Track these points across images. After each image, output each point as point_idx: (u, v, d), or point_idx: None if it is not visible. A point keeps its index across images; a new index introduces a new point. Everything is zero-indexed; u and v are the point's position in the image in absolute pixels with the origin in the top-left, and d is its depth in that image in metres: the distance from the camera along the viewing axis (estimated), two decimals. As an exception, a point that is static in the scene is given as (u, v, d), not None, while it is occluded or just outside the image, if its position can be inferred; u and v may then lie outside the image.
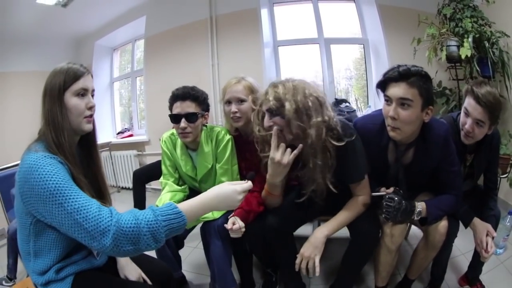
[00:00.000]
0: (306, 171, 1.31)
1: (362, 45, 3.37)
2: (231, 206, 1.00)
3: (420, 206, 1.31)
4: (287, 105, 1.19)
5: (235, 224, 1.37)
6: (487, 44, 2.23)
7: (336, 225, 1.33)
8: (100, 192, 1.06)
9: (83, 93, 0.99)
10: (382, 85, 1.25)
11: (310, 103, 1.21)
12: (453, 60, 2.45)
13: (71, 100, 0.97)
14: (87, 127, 1.02)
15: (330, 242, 1.35)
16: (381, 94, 1.29)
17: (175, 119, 1.52)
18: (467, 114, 1.35)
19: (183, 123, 1.50)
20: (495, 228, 1.45)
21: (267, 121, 1.25)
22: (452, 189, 1.37)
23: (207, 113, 1.61)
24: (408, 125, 1.23)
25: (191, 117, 1.51)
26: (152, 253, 1.48)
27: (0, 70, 3.69)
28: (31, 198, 0.85)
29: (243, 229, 1.38)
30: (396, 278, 1.72)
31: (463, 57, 2.24)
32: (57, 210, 0.82)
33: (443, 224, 1.35)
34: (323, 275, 1.90)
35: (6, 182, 2.53)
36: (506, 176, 2.23)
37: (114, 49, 4.55)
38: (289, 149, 1.25)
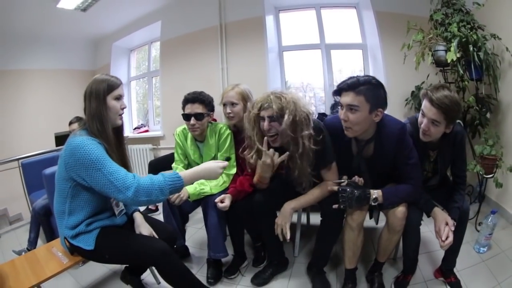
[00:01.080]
0: (296, 171, 1.58)
1: (361, 50, 3.44)
2: (215, 177, 1.40)
3: (376, 193, 1.52)
4: (286, 117, 1.45)
5: (223, 203, 1.74)
6: (472, 48, 2.26)
7: (303, 202, 1.64)
8: (125, 164, 1.39)
9: (119, 97, 1.36)
10: (337, 93, 1.48)
11: (303, 120, 1.49)
12: (441, 64, 2.50)
13: (111, 102, 1.33)
14: (119, 122, 1.40)
15: (315, 228, 1.57)
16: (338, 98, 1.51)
17: (186, 117, 1.91)
18: (423, 114, 1.49)
19: (192, 120, 1.88)
20: (460, 221, 1.55)
21: (267, 125, 1.51)
22: (409, 179, 1.54)
23: (212, 113, 1.96)
24: (357, 125, 1.44)
25: (199, 116, 1.89)
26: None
27: (21, 67, 3.99)
28: (75, 167, 1.20)
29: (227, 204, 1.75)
30: (359, 255, 1.78)
31: (449, 61, 2.29)
32: (96, 173, 1.18)
33: (400, 210, 1.52)
34: (306, 254, 2.12)
35: (30, 169, 2.87)
36: (492, 177, 2.23)
37: (131, 50, 4.72)
38: (277, 153, 1.54)
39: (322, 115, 2.71)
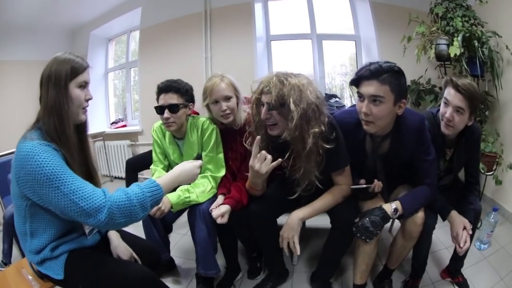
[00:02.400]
0: (298, 171, 1.36)
1: (354, 42, 3.37)
2: (193, 179, 1.17)
3: (395, 204, 1.35)
4: (292, 107, 1.22)
5: (223, 218, 1.46)
6: (476, 44, 2.24)
7: (311, 211, 1.40)
8: (89, 174, 1.13)
9: (84, 85, 1.07)
10: (355, 83, 1.29)
11: (310, 113, 1.26)
12: (442, 59, 2.46)
13: (74, 91, 1.03)
14: (83, 117, 1.10)
15: (312, 231, 1.40)
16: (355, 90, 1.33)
17: (160, 110, 1.62)
18: (446, 103, 1.40)
19: (166, 113, 1.60)
20: (474, 222, 1.49)
21: (264, 113, 1.30)
22: (426, 178, 1.42)
23: (191, 104, 1.68)
24: (381, 120, 1.27)
25: (173, 108, 1.60)
26: (142, 236, 1.56)
27: (-6, 59, 3.66)
28: (27, 183, 0.91)
29: (224, 220, 1.48)
30: (378, 268, 1.76)
31: (452, 55, 2.23)
32: (53, 193, 0.89)
33: (419, 216, 1.39)
34: (305, 262, 1.97)
35: (2, 169, 2.54)
36: (492, 174, 2.26)
37: (110, 40, 4.52)
38: (269, 158, 1.30)
39: (329, 97, 2.55)
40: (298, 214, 1.40)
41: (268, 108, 1.29)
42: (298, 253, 1.38)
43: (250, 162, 1.32)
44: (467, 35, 2.27)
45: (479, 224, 1.95)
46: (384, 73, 1.21)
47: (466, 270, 1.71)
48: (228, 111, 1.63)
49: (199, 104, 1.76)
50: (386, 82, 1.20)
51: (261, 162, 1.30)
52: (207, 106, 1.70)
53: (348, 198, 1.42)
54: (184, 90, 1.64)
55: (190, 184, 1.48)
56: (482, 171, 2.23)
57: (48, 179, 0.89)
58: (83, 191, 0.90)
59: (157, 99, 1.65)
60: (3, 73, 3.77)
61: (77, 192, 0.90)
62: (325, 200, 1.41)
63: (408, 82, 2.78)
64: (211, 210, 1.50)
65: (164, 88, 1.62)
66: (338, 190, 1.43)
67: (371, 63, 1.25)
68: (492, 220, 1.91)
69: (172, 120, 1.61)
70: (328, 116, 1.34)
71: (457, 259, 1.62)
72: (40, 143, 0.93)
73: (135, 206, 0.93)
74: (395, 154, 1.42)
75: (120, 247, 1.26)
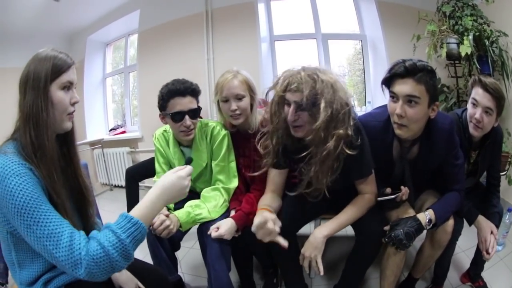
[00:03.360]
0: (308, 174, 1.24)
1: (360, 41, 3.34)
2: (182, 194, 0.93)
3: (428, 214, 1.27)
4: (322, 107, 1.10)
5: (216, 232, 1.34)
6: (487, 42, 2.25)
7: (336, 226, 1.28)
8: (80, 194, 0.97)
9: (68, 86, 0.89)
10: (388, 81, 1.20)
11: (341, 116, 1.15)
12: (452, 58, 2.46)
13: (57, 94, 0.86)
14: (68, 125, 0.92)
15: (332, 240, 1.32)
16: (386, 91, 1.23)
17: (179, 117, 1.43)
18: (475, 104, 1.35)
19: (188, 120, 1.43)
20: (498, 225, 1.45)
21: (292, 113, 1.16)
22: (455, 183, 1.36)
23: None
24: (416, 123, 1.19)
25: (195, 113, 1.46)
26: (148, 257, 1.45)
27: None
28: (1, 209, 0.76)
29: (226, 237, 1.35)
30: (400, 277, 1.66)
31: (463, 54, 2.25)
32: (26, 230, 0.74)
33: (450, 223, 1.32)
34: (325, 275, 1.83)
35: None
36: (505, 174, 2.25)
37: (107, 44, 4.47)
38: (275, 231, 1.16)
39: None
40: (322, 231, 1.26)
41: (296, 108, 1.16)
42: (322, 273, 1.24)
43: (253, 228, 1.16)
44: (477, 34, 2.29)
45: None
46: (419, 72, 1.13)
47: (484, 273, 1.68)
48: (238, 112, 1.48)
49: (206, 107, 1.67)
50: (422, 82, 1.13)
51: (266, 234, 1.16)
52: (218, 103, 1.56)
53: (372, 207, 1.32)
54: (199, 92, 1.51)
55: (180, 200, 1.15)
56: None
57: (19, 212, 0.73)
58: (58, 238, 0.74)
59: (166, 104, 1.46)
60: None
61: (51, 238, 0.74)
62: (350, 212, 1.30)
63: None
64: (209, 234, 1.37)
65: (181, 90, 1.43)
66: (362, 201, 1.33)
67: (404, 60, 1.16)
68: (507, 221, 1.87)
69: (193, 127, 1.47)
70: (354, 119, 1.23)
71: (478, 263, 1.59)
72: (13, 161, 0.76)
73: (115, 259, 0.76)
74: (424, 160, 1.34)
75: (122, 277, 1.11)
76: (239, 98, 1.48)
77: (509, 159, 2.24)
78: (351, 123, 1.18)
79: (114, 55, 4.58)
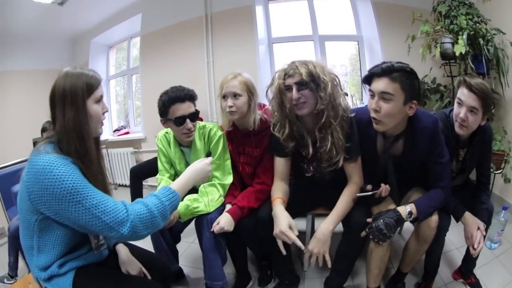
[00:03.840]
0: (326, 144, 1.39)
1: (357, 42, 3.36)
2: (206, 177, 1.20)
3: (409, 207, 1.35)
4: (326, 79, 1.29)
5: (219, 225, 1.48)
6: (482, 41, 2.25)
7: (337, 218, 1.39)
8: (104, 184, 1.10)
9: (100, 99, 1.03)
10: (367, 80, 1.31)
11: (335, 82, 1.35)
12: (447, 57, 2.45)
13: (93, 107, 1.00)
14: (101, 130, 1.08)
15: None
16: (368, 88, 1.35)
17: (180, 121, 1.57)
18: (460, 104, 1.40)
19: (189, 124, 1.57)
20: (487, 222, 1.49)
21: (295, 94, 1.31)
22: (440, 181, 1.41)
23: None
24: (390, 118, 1.28)
25: (194, 117, 1.60)
26: (151, 249, 1.55)
27: (-5, 69, 3.68)
28: (42, 197, 0.88)
29: (226, 229, 1.48)
30: (390, 272, 1.75)
31: (457, 54, 2.25)
32: (74, 207, 0.87)
33: (433, 219, 1.38)
34: (316, 267, 1.93)
35: (6, 181, 2.52)
36: (501, 172, 2.27)
37: (110, 47, 4.54)
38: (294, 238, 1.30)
39: None
40: (328, 226, 1.37)
41: (298, 88, 1.31)
42: (330, 265, 1.36)
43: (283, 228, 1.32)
44: (472, 33, 2.28)
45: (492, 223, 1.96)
46: (395, 72, 1.23)
47: (478, 270, 1.70)
48: (233, 109, 1.60)
49: (201, 110, 1.73)
50: (397, 80, 1.23)
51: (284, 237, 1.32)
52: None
53: (359, 200, 1.41)
54: (196, 97, 1.64)
55: (204, 183, 1.48)
56: (492, 169, 2.20)
57: (69, 193, 0.87)
58: (105, 205, 0.90)
59: (167, 110, 1.58)
60: (4, 83, 3.77)
61: (99, 206, 0.89)
62: (344, 203, 1.41)
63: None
64: (212, 230, 1.49)
65: (181, 97, 1.56)
66: (351, 191, 1.43)
67: (384, 62, 1.26)
68: (502, 219, 1.88)
69: (193, 129, 1.61)
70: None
71: (469, 260, 1.62)
72: (57, 157, 0.91)
73: (157, 217, 0.95)
74: (409, 156, 1.41)
75: (129, 262, 1.24)
76: (235, 95, 1.59)
77: (505, 158, 2.24)
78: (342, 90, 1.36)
79: (117, 55, 4.64)
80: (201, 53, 3.39)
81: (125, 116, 4.64)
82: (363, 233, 1.35)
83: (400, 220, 1.33)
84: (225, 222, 1.48)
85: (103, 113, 1.06)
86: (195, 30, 3.39)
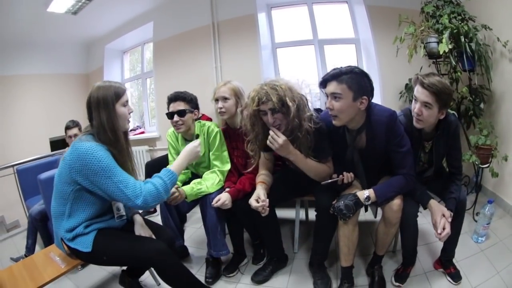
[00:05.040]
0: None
1: (354, 45, 3.44)
2: (197, 156, 1.55)
3: (368, 192, 1.52)
4: (290, 105, 1.47)
5: (218, 201, 1.73)
6: (463, 39, 2.27)
7: (300, 157, 1.61)
8: (131, 167, 1.43)
9: (126, 103, 1.37)
10: (323, 85, 1.52)
11: (301, 102, 1.53)
12: (433, 56, 2.49)
13: (120, 109, 1.35)
14: (128, 126, 1.44)
15: (311, 224, 1.56)
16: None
17: (170, 116, 1.92)
18: (415, 100, 1.52)
19: (175, 117, 1.91)
20: (459, 211, 1.58)
21: (270, 118, 1.52)
22: (402, 168, 1.55)
23: (196, 110, 1.97)
24: (342, 113, 1.48)
25: (180, 113, 1.91)
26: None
27: (14, 73, 3.94)
28: (82, 171, 1.23)
29: (227, 203, 1.75)
30: (370, 257, 1.86)
31: (441, 52, 2.27)
32: (105, 180, 1.22)
33: (395, 202, 1.52)
34: (306, 250, 2.13)
35: (25, 175, 2.83)
36: (488, 167, 2.28)
37: (124, 52, 4.71)
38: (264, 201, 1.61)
39: (317, 111, 2.71)
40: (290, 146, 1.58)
41: (272, 113, 1.52)
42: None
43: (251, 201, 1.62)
44: (455, 31, 2.32)
45: (478, 216, 2.03)
46: (342, 75, 1.43)
47: (461, 262, 1.76)
48: (223, 110, 1.94)
49: (209, 110, 2.06)
50: (343, 82, 1.43)
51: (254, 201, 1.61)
52: None
53: (328, 186, 1.60)
54: (189, 99, 1.95)
55: (196, 160, 1.73)
56: (476, 163, 2.26)
57: (104, 170, 1.22)
58: (128, 182, 1.25)
59: (168, 108, 1.95)
60: (18, 86, 4.01)
61: (123, 182, 1.24)
62: (311, 162, 1.63)
63: (406, 81, 2.91)
64: (212, 204, 1.74)
65: (173, 98, 1.93)
66: (324, 166, 1.66)
67: (333, 69, 1.48)
68: (488, 212, 1.94)
69: (181, 122, 1.91)
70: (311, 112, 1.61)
71: (447, 250, 1.70)
72: (96, 144, 1.25)
73: (161, 192, 1.30)
74: (371, 147, 1.58)
75: (142, 229, 1.54)
76: (224, 99, 1.94)
77: (492, 152, 2.23)
78: (308, 106, 1.59)
79: (131, 58, 4.81)
80: (209, 59, 3.58)
81: (140, 117, 4.83)
82: (331, 211, 1.54)
83: (358, 203, 1.51)
84: (225, 198, 1.75)
85: (129, 113, 1.40)
86: (204, 38, 3.58)
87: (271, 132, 1.53)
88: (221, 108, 1.94)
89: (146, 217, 1.66)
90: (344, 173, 1.59)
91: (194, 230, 2.58)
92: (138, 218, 1.58)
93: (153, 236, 1.52)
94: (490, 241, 2.00)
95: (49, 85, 4.32)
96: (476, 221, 2.09)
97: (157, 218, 1.77)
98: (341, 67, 1.47)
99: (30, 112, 4.13)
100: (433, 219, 1.52)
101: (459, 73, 2.45)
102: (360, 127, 1.56)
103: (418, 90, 1.50)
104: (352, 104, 1.46)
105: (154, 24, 3.92)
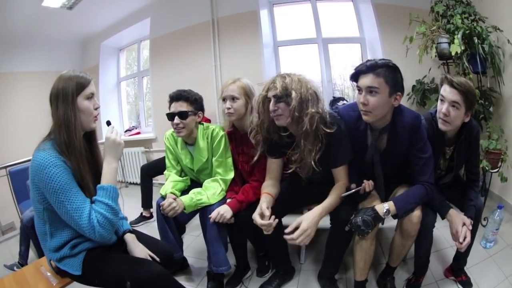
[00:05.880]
0: (297, 150, 1.49)
1: (359, 44, 3.37)
2: (118, 143, 1.21)
3: (387, 205, 1.41)
4: (293, 94, 1.36)
5: (217, 215, 1.59)
6: (476, 40, 2.22)
7: (323, 210, 1.44)
8: (99, 175, 1.20)
9: (90, 96, 1.18)
10: (354, 77, 1.41)
11: (309, 96, 1.40)
12: (444, 57, 2.44)
13: (83, 103, 1.15)
14: (94, 125, 1.22)
15: (318, 231, 1.45)
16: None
17: (170, 117, 1.75)
18: (442, 100, 1.45)
19: (176, 119, 1.73)
20: (476, 218, 1.52)
21: (272, 105, 1.42)
22: (422, 175, 1.47)
23: (200, 112, 1.81)
24: (377, 109, 1.37)
25: (182, 115, 1.74)
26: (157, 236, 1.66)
27: (8, 70, 3.82)
28: (41, 189, 1.06)
29: (226, 215, 1.60)
30: (382, 267, 1.79)
31: (453, 53, 2.23)
32: (59, 205, 1.05)
33: (415, 214, 1.44)
34: (312, 261, 2.03)
35: (18, 177, 2.73)
36: (497, 171, 2.24)
37: (120, 49, 4.62)
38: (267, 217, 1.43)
39: (336, 101, 2.60)
40: (315, 211, 1.43)
41: (275, 100, 1.42)
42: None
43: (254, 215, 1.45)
44: (467, 32, 2.27)
45: (485, 222, 1.98)
46: (379, 68, 1.33)
47: (471, 269, 1.71)
48: (231, 110, 1.75)
49: (209, 111, 1.86)
50: (381, 75, 1.33)
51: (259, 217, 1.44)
52: None
53: (346, 198, 1.49)
54: (193, 99, 1.78)
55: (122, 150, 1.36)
56: (487, 168, 2.22)
57: (56, 192, 1.03)
58: (81, 212, 1.06)
59: (169, 107, 1.78)
60: (14, 84, 3.90)
61: (78, 210, 1.06)
62: (331, 199, 1.48)
63: (413, 82, 2.85)
64: (210, 217, 1.61)
65: (175, 97, 1.76)
66: (338, 189, 1.51)
67: (368, 60, 1.38)
68: (497, 218, 1.91)
69: (182, 126, 1.74)
70: (330, 113, 1.48)
71: (460, 257, 1.64)
72: (51, 155, 1.05)
73: (110, 218, 1.10)
74: (391, 150, 1.49)
75: (136, 248, 1.35)
76: (233, 99, 1.74)
77: (502, 156, 2.20)
78: (321, 105, 1.43)
79: (127, 56, 4.71)
80: (208, 57, 3.48)
81: (136, 116, 4.74)
82: (347, 228, 1.43)
83: (377, 218, 1.40)
84: (225, 210, 1.61)
85: (95, 109, 1.20)
86: (203, 34, 3.48)
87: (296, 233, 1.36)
88: (229, 108, 1.75)
89: (142, 223, 1.51)
90: (364, 181, 1.48)
91: (193, 238, 2.44)
92: (130, 238, 1.39)
93: (150, 254, 1.35)
94: (498, 246, 1.98)
95: (43, 83, 4.12)
96: (484, 226, 2.05)
97: (153, 224, 1.61)
98: (376, 59, 1.36)
99: (24, 111, 4.01)
100: (453, 229, 1.45)
101: (470, 76, 2.36)
102: (384, 127, 1.48)
103: (445, 90, 1.42)
104: (388, 100, 1.37)
105: (151, 20, 3.84)
